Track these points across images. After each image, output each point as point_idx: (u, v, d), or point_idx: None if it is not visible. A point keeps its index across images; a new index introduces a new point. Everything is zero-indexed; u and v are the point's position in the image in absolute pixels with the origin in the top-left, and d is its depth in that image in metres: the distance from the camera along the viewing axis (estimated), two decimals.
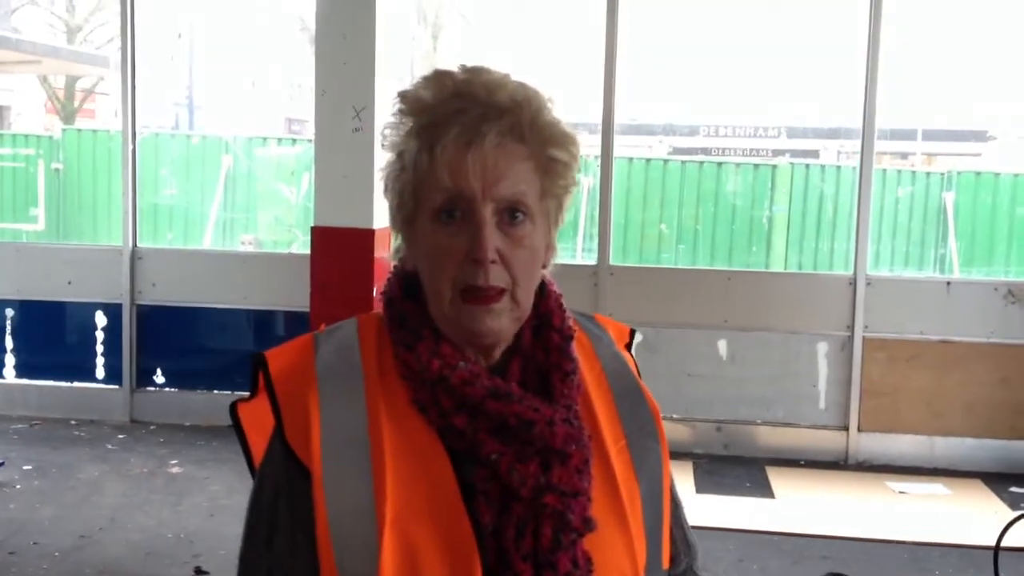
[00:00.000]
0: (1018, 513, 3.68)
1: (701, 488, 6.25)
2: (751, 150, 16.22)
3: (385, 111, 1.34)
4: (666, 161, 10.64)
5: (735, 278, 7.33)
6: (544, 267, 1.36)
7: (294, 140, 12.97)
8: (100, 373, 7.41)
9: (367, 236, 5.90)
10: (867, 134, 6.82)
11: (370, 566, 1.22)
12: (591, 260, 7.16)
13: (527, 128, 1.29)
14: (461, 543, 1.24)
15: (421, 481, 1.26)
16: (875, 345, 6.79)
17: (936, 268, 10.11)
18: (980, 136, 16.67)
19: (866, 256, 6.84)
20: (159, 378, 7.38)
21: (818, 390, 6.90)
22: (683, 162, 10.45)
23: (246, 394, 1.38)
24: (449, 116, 1.27)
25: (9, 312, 7.46)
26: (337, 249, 5.97)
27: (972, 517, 5.85)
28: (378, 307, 1.40)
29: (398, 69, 6.18)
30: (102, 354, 7.39)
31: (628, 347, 1.51)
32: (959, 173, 10.67)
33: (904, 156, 15.29)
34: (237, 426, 1.40)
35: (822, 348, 6.88)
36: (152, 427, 7.17)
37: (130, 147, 7.30)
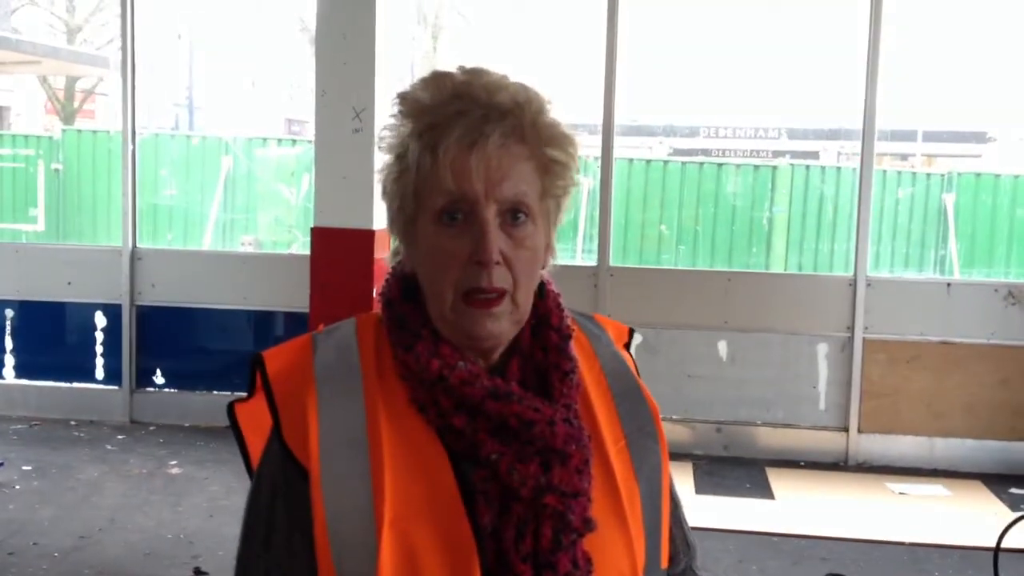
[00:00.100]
0: (1018, 514, 3.68)
1: (701, 489, 6.25)
2: (751, 151, 16.23)
3: (385, 112, 1.34)
4: (666, 162, 10.64)
5: (735, 279, 7.33)
6: (543, 267, 1.36)
7: (294, 141, 12.97)
8: (100, 374, 7.41)
9: (367, 237, 5.90)
10: (867, 135, 6.82)
11: (368, 566, 1.21)
12: (591, 261, 7.16)
13: (528, 129, 1.29)
14: (460, 544, 1.23)
15: (420, 481, 1.25)
16: (875, 346, 6.79)
17: (936, 269, 10.11)
18: (980, 137, 16.68)
19: (866, 257, 6.84)
20: (159, 379, 7.38)
21: (818, 391, 6.90)
22: (683, 163, 10.46)
23: (243, 395, 1.38)
24: (450, 118, 1.27)
25: (9, 313, 7.46)
26: (337, 250, 5.97)
27: (972, 518, 5.84)
28: (377, 308, 1.39)
29: (398, 70, 6.18)
30: (102, 355, 7.38)
31: (627, 347, 1.51)
32: (959, 174, 10.68)
33: (904, 157, 15.29)
34: (235, 427, 1.40)
35: (822, 349, 6.88)
36: (151, 428, 7.17)
37: (130, 148, 7.30)
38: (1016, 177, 10.39)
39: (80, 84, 18.57)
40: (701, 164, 10.56)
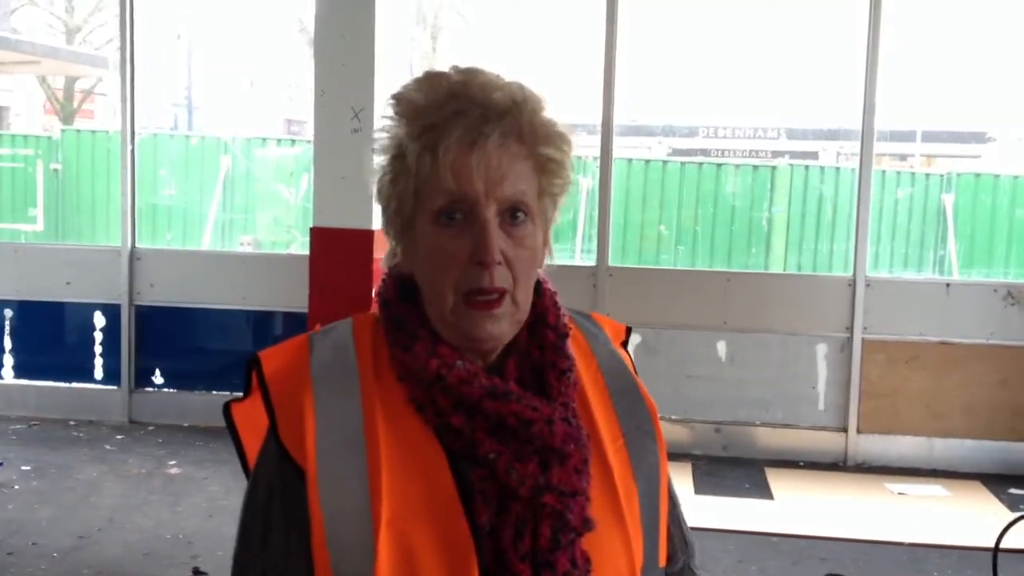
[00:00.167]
0: (1017, 515, 3.68)
1: (700, 489, 6.25)
2: (750, 151, 16.22)
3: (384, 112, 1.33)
4: (665, 162, 10.64)
5: (734, 279, 7.33)
6: (540, 266, 1.36)
7: (293, 141, 12.95)
8: (99, 374, 7.41)
9: (366, 237, 5.90)
10: (866, 135, 6.82)
11: (366, 567, 1.21)
12: (590, 261, 7.16)
13: (526, 128, 1.29)
14: (458, 543, 1.23)
15: (418, 481, 1.25)
16: (874, 346, 6.79)
17: (935, 270, 10.12)
18: (979, 138, 16.67)
19: (865, 257, 6.84)
20: (158, 379, 7.38)
21: (817, 391, 6.90)
22: (682, 163, 10.46)
23: (240, 395, 1.37)
24: (448, 118, 1.27)
25: (8, 312, 7.45)
26: (336, 250, 5.96)
27: (971, 518, 5.84)
28: (375, 308, 1.39)
29: (397, 70, 6.17)
30: (101, 355, 7.38)
31: (624, 345, 1.50)
32: (958, 175, 10.69)
33: (903, 158, 15.29)
34: (231, 426, 1.39)
35: (821, 349, 6.88)
36: (150, 428, 7.17)
37: (129, 148, 7.30)
38: (1015, 177, 10.40)
39: (79, 84, 18.56)
40: (700, 164, 10.56)
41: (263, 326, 7.35)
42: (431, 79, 1.31)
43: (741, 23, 13.12)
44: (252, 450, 1.37)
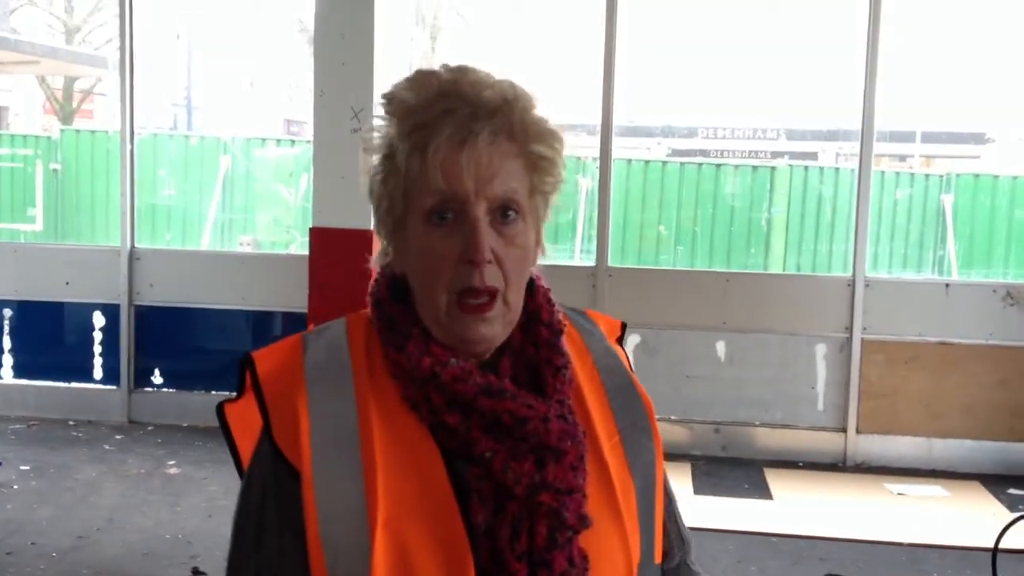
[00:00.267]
0: (1016, 515, 3.68)
1: (699, 489, 6.25)
2: (750, 152, 16.21)
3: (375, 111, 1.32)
4: (665, 163, 10.64)
5: (734, 280, 7.33)
6: (533, 264, 1.35)
7: (292, 141, 12.95)
8: (98, 374, 7.41)
9: (365, 237, 5.89)
10: (866, 136, 6.82)
11: (362, 567, 1.20)
12: (589, 261, 7.17)
13: (516, 126, 1.28)
14: (454, 543, 1.22)
15: (413, 480, 1.24)
16: (874, 347, 6.79)
17: (935, 270, 10.11)
18: (979, 138, 16.67)
19: (865, 258, 6.85)
20: (157, 379, 7.38)
21: (816, 392, 6.90)
22: (682, 164, 10.45)
23: (233, 395, 1.37)
24: (438, 117, 1.26)
25: (7, 312, 7.46)
26: (335, 250, 5.96)
27: (970, 519, 5.85)
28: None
29: (396, 70, 6.17)
30: (100, 355, 7.38)
31: (620, 341, 1.49)
32: (958, 175, 10.69)
33: (903, 158, 15.28)
34: (224, 427, 1.38)
35: (821, 350, 6.88)
36: (150, 428, 7.17)
37: (128, 147, 7.30)
38: (1014, 178, 10.40)
39: (79, 84, 18.55)
40: (699, 165, 10.56)
41: (263, 326, 7.35)
42: (421, 78, 1.31)
43: (741, 23, 13.11)
44: (246, 451, 1.36)
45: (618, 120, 7.12)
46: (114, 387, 7.36)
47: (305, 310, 6.11)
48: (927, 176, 10.93)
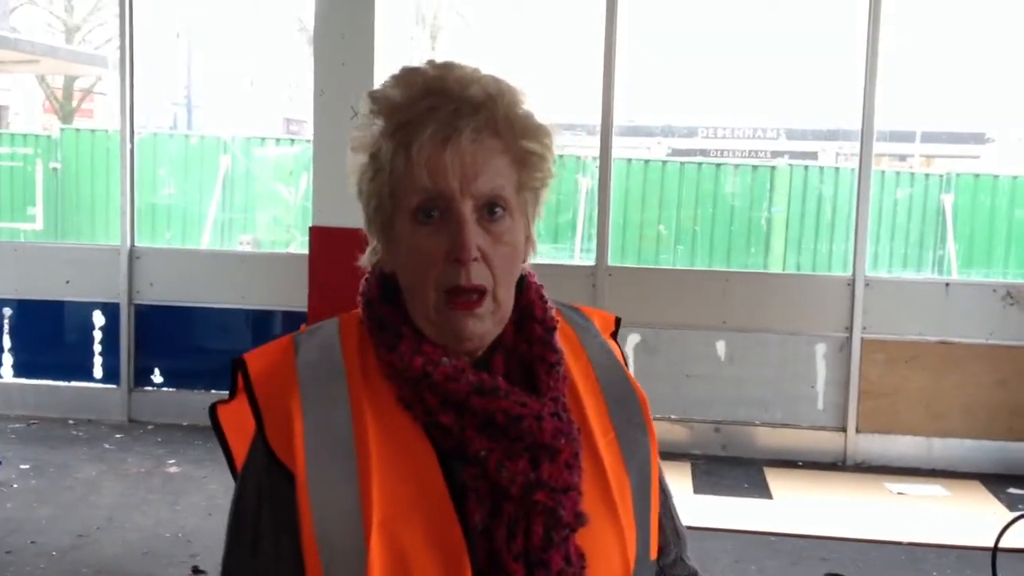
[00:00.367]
0: (1016, 514, 3.68)
1: (699, 489, 6.25)
2: (749, 151, 16.20)
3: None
4: (665, 162, 10.63)
5: (733, 279, 7.33)
6: (524, 261, 1.34)
7: (292, 140, 12.95)
8: (98, 373, 7.41)
9: (366, 236, 5.89)
10: (866, 136, 6.82)
11: (358, 569, 1.20)
12: (589, 261, 7.17)
13: (502, 122, 1.27)
14: (450, 544, 1.22)
15: (408, 481, 1.24)
16: (874, 346, 6.79)
17: (935, 270, 10.12)
18: (979, 138, 16.66)
19: (865, 257, 6.85)
20: (157, 378, 7.38)
21: (816, 391, 6.90)
22: (682, 163, 10.45)
23: (226, 397, 1.36)
24: (422, 114, 1.26)
25: (7, 311, 7.46)
26: (335, 249, 5.95)
27: (970, 518, 5.85)
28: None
29: (396, 69, 6.17)
30: (100, 354, 7.39)
31: (614, 336, 1.48)
32: (958, 175, 10.68)
33: (903, 158, 15.28)
34: (217, 429, 1.37)
35: (820, 349, 6.88)
36: (150, 427, 7.17)
37: (128, 147, 7.30)
38: (1014, 178, 10.39)
39: (78, 83, 18.54)
40: (699, 164, 10.55)
41: (262, 325, 7.35)
42: (407, 75, 1.30)
43: (741, 23, 13.10)
44: (239, 452, 1.35)
45: (618, 120, 7.12)
46: (114, 386, 7.36)
47: (305, 309, 6.11)
48: (927, 176, 10.93)
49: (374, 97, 1.31)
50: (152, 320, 7.34)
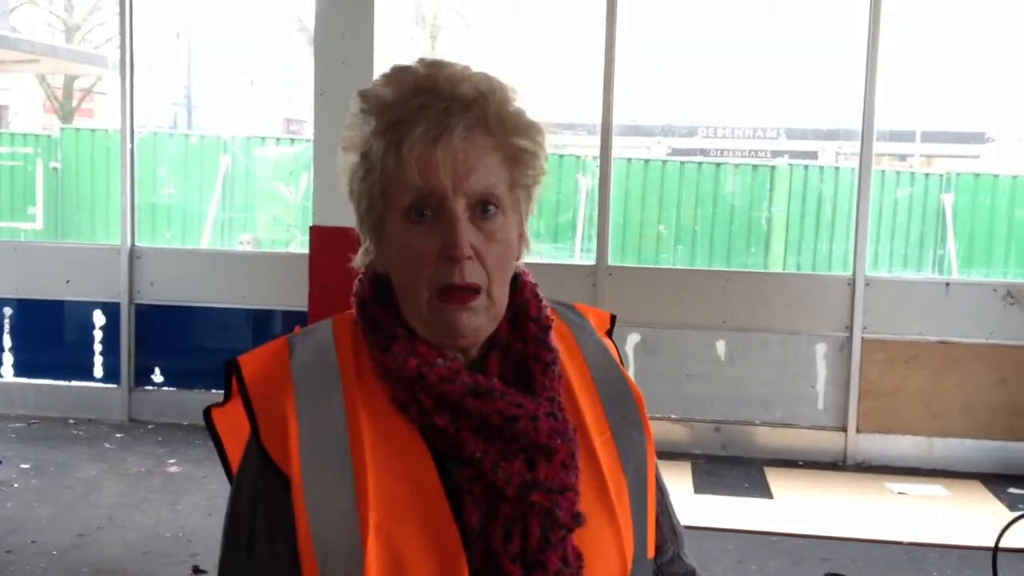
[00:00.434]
0: (1016, 514, 3.68)
1: (699, 488, 6.25)
2: (750, 151, 16.20)
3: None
4: (665, 162, 10.63)
5: (734, 279, 7.33)
6: (518, 259, 1.33)
7: (292, 140, 12.95)
8: (98, 372, 7.41)
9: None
10: (866, 135, 6.82)
11: (354, 570, 1.19)
12: (589, 260, 7.17)
13: (493, 119, 1.27)
14: (447, 545, 1.21)
15: (404, 483, 1.23)
16: (874, 346, 6.79)
17: (935, 269, 10.12)
18: (979, 138, 16.66)
19: (865, 257, 6.85)
20: (157, 377, 7.38)
21: (817, 391, 6.90)
22: (682, 163, 10.45)
23: (220, 400, 1.35)
24: (413, 113, 1.25)
25: (7, 311, 7.46)
26: (335, 248, 5.92)
27: (970, 518, 5.85)
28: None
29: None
30: (100, 353, 7.39)
31: (609, 333, 1.48)
32: (958, 175, 10.69)
33: (903, 158, 15.28)
34: (212, 432, 1.36)
35: (821, 349, 6.88)
36: (150, 426, 7.17)
37: (128, 146, 7.30)
38: (1015, 177, 10.40)
39: (79, 83, 18.54)
40: (699, 164, 10.56)
41: (263, 325, 7.35)
42: (398, 74, 1.30)
43: (741, 23, 13.10)
44: (235, 455, 1.34)
45: (618, 119, 7.12)
46: (114, 385, 7.36)
47: (305, 309, 6.12)
48: (927, 175, 10.93)
49: (364, 96, 1.30)
50: (152, 320, 7.34)
